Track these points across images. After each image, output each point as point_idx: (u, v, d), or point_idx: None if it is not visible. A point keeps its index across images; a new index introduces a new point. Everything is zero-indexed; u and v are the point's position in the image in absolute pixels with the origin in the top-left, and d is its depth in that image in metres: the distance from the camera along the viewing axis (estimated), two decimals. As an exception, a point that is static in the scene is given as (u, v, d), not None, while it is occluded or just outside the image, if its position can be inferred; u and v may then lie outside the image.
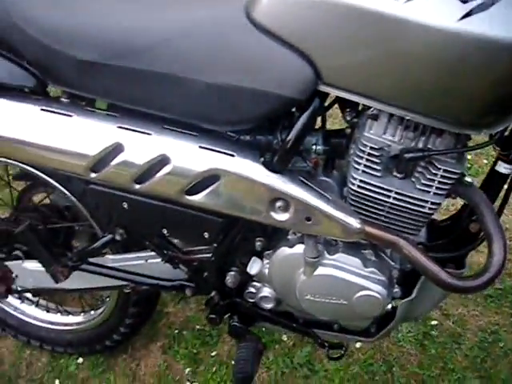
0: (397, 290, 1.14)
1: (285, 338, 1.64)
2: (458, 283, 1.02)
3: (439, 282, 1.02)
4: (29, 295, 1.62)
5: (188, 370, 1.57)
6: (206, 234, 1.11)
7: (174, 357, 1.61)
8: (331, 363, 1.57)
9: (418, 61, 0.85)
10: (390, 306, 1.15)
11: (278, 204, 1.01)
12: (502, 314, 1.73)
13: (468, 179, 1.03)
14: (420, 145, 0.96)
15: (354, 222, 1.01)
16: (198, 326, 1.67)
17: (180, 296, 1.72)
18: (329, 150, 1.04)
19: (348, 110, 1.00)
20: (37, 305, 1.65)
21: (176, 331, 1.68)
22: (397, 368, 1.57)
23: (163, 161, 1.01)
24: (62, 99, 1.05)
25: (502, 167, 1.06)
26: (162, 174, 1.01)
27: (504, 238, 1.00)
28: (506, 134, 1.02)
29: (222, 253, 1.16)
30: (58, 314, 1.63)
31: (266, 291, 1.19)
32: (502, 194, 1.09)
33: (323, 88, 0.92)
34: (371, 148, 0.97)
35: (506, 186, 1.10)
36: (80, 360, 1.62)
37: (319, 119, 1.06)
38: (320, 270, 1.08)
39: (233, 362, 1.52)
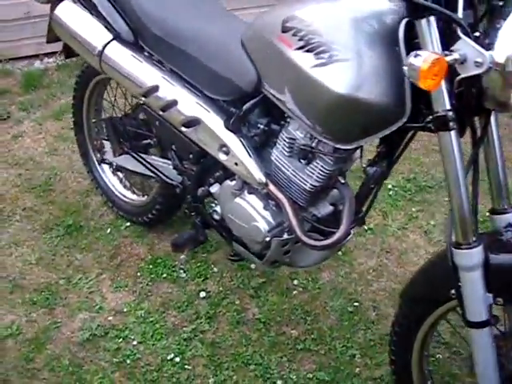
0: (286, 235, 1.68)
1: (253, 266, 2.26)
2: (311, 242, 1.58)
3: (299, 239, 1.57)
4: (120, 175, 2.48)
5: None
6: (191, 155, 1.82)
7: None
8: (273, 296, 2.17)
9: None
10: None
11: (223, 149, 1.67)
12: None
13: (341, 179, 1.58)
14: (313, 144, 1.54)
15: (260, 176, 1.62)
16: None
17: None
18: (267, 131, 1.65)
19: None
20: (121, 181, 2.50)
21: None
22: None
23: (174, 102, 1.73)
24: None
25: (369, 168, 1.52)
26: (173, 109, 1.75)
27: (349, 224, 1.53)
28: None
29: (198, 172, 1.85)
30: (129, 191, 2.47)
31: (218, 207, 1.84)
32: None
33: (264, 90, 1.55)
34: (286, 136, 1.57)
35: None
36: (128, 223, 2.45)
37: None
38: (237, 200, 1.71)
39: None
